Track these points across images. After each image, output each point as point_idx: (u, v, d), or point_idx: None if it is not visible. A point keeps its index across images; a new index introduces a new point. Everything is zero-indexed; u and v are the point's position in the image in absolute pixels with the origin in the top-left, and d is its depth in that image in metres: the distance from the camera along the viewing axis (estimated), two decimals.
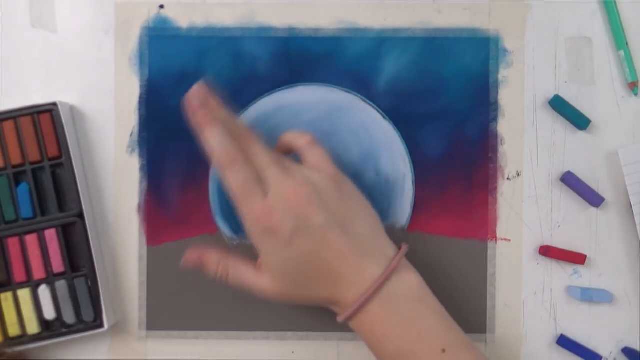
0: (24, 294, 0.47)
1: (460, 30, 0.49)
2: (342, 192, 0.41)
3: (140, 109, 0.49)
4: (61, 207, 0.47)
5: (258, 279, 0.42)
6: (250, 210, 0.40)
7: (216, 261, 0.43)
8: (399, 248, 0.42)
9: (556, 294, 0.49)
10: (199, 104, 0.41)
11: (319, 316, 0.49)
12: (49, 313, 0.47)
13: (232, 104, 0.48)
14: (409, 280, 0.41)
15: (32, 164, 0.47)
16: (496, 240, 0.49)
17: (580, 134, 0.49)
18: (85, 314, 0.47)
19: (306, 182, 0.40)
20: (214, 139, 0.40)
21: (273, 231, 0.39)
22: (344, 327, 0.49)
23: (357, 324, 0.41)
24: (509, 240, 0.49)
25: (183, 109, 0.41)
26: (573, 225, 0.49)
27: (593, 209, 0.49)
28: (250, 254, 0.43)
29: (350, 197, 0.42)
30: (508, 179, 0.49)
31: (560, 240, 0.49)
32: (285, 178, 0.40)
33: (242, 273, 0.42)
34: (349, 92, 0.49)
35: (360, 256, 0.40)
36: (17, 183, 0.47)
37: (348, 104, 0.49)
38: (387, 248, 0.42)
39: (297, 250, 0.40)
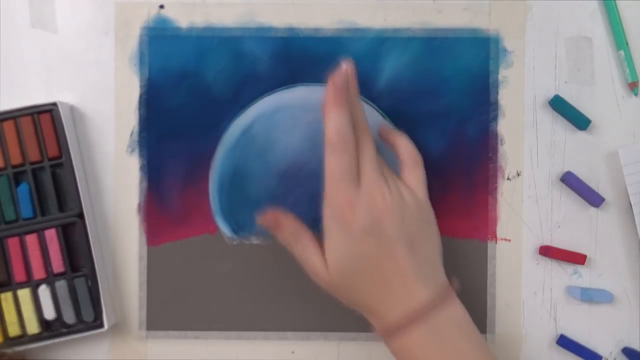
0: (24, 294, 0.47)
1: (460, 30, 0.49)
2: (422, 217, 0.42)
3: (140, 109, 0.49)
4: (61, 207, 0.47)
5: (319, 261, 0.42)
6: (338, 196, 0.40)
7: (290, 229, 0.43)
8: (450, 281, 0.43)
9: (556, 294, 0.49)
10: (342, 85, 0.41)
11: (319, 316, 0.49)
12: (49, 313, 0.47)
13: (232, 104, 0.48)
14: (455, 312, 0.41)
15: (32, 164, 0.47)
16: (496, 240, 0.49)
17: (580, 134, 0.49)
18: (85, 314, 0.47)
19: (396, 195, 0.41)
20: (337, 121, 0.40)
21: (348, 223, 0.40)
22: (344, 327, 0.49)
23: (394, 343, 0.41)
24: (509, 240, 0.49)
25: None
26: (573, 225, 0.49)
27: (593, 209, 0.49)
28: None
29: (427, 224, 0.43)
30: (508, 179, 0.49)
31: (560, 240, 0.49)
32: (381, 184, 0.41)
33: (308, 248, 0.42)
34: None
35: (416, 277, 0.41)
36: (17, 183, 0.47)
37: None
38: (440, 276, 0.42)
39: (361, 248, 0.40)
